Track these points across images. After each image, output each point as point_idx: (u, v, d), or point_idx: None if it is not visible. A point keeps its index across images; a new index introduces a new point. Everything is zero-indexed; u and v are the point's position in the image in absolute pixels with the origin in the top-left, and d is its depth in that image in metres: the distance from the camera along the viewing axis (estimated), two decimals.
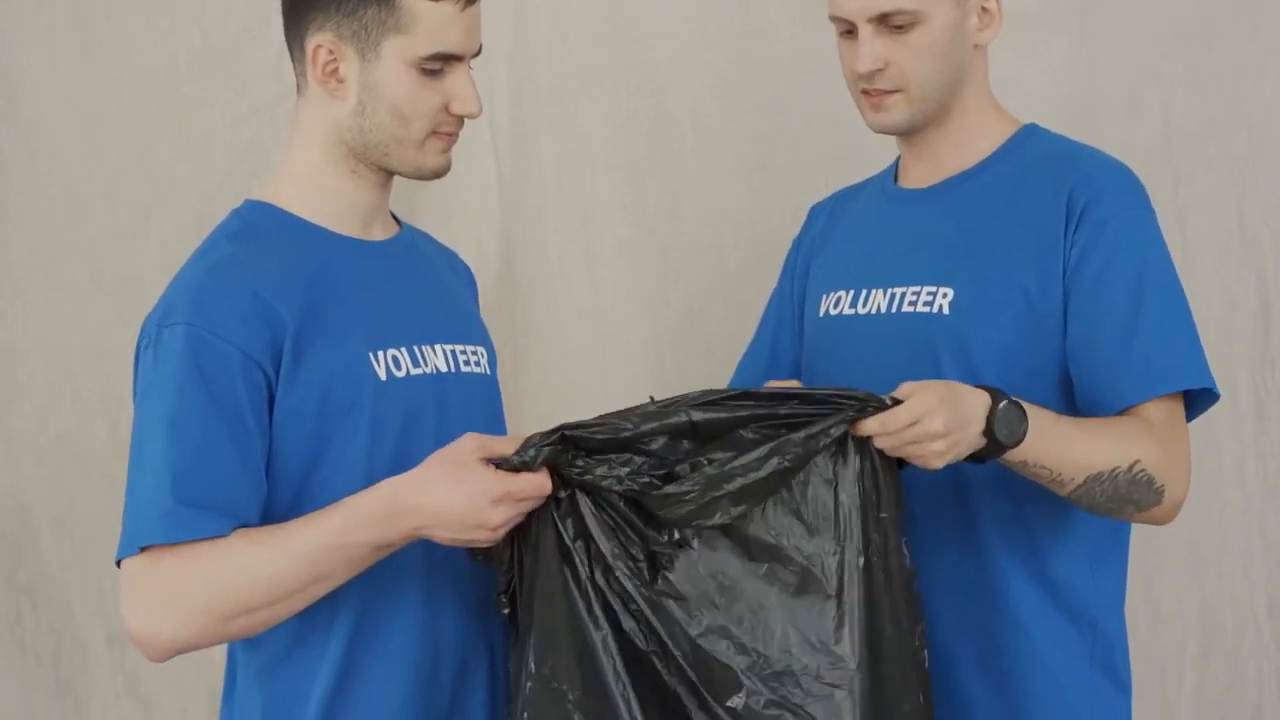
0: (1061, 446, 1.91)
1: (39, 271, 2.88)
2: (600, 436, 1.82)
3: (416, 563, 1.91)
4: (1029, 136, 2.13)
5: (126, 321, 2.76)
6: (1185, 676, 2.96)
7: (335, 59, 1.91)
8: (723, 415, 1.84)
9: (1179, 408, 2.00)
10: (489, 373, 2.08)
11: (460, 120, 1.95)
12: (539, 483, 1.81)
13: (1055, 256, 2.01)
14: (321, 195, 1.96)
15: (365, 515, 1.81)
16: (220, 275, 1.87)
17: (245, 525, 1.82)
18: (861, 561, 1.86)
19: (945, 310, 2.04)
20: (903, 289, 2.09)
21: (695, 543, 1.86)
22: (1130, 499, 1.95)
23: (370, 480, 1.86)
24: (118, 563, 1.82)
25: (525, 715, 1.84)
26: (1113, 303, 1.99)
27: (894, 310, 2.09)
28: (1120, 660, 2.10)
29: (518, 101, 2.94)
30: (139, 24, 2.90)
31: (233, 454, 1.81)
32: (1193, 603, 2.96)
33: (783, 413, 1.84)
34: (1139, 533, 2.18)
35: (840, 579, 1.85)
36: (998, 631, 2.04)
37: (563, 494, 1.84)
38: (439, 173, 1.98)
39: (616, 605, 1.86)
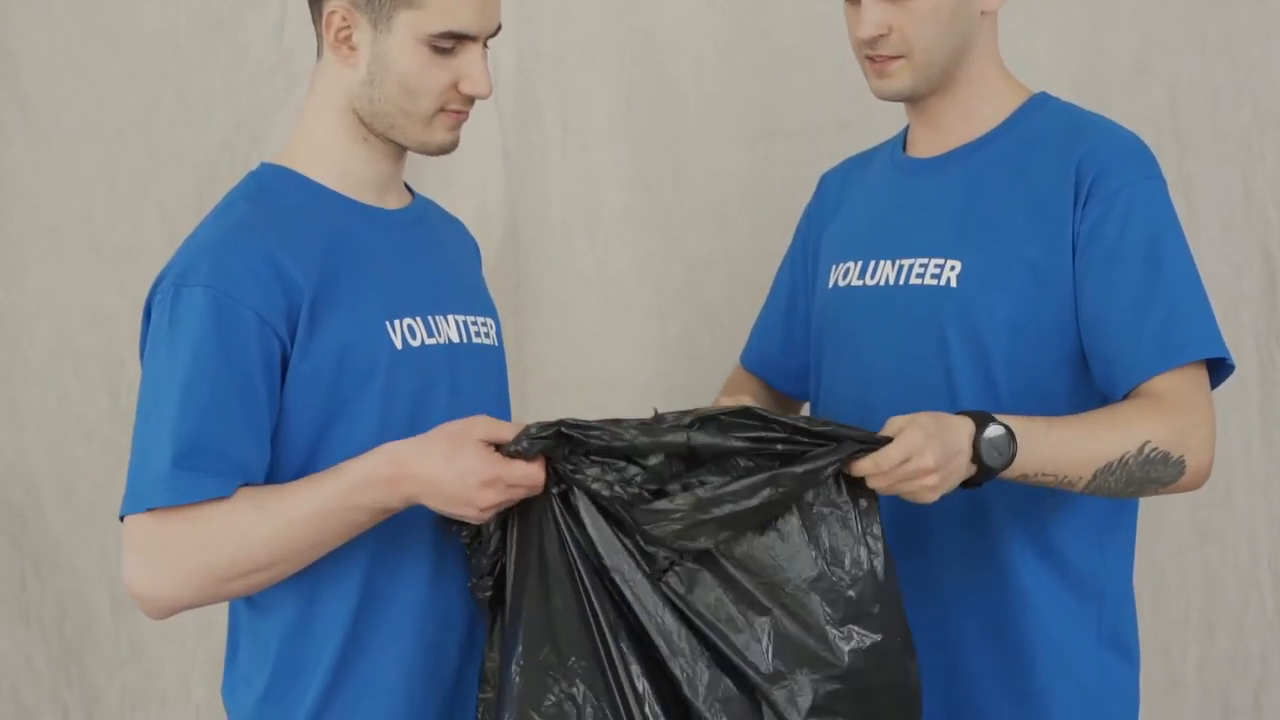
0: (1059, 451, 1.91)
1: (39, 240, 2.87)
2: (597, 440, 1.83)
3: (425, 533, 1.93)
4: (1039, 106, 2.12)
5: (126, 290, 2.81)
6: (1189, 648, 2.97)
7: (349, 26, 1.92)
8: (720, 441, 1.85)
9: (1200, 375, 1.99)
10: (497, 344, 2.10)
11: (470, 100, 1.95)
12: (531, 472, 1.83)
13: (1064, 228, 2.00)
14: (336, 161, 1.97)
15: (366, 479, 1.82)
16: (238, 237, 1.88)
17: (248, 485, 1.84)
18: (847, 591, 1.88)
19: (953, 283, 2.04)
20: (910, 261, 2.09)
21: (685, 561, 1.87)
22: (1149, 479, 1.95)
23: None
24: (121, 518, 1.84)
25: (517, 699, 1.85)
26: (1127, 275, 1.98)
27: (901, 282, 2.09)
28: (1128, 633, 2.11)
29: (521, 69, 2.94)
30: None
31: (240, 418, 1.83)
32: (1196, 575, 2.97)
33: (779, 447, 1.85)
34: (1144, 503, 2.18)
35: (822, 611, 1.86)
36: (1005, 606, 2.05)
37: (556, 489, 1.86)
38: (445, 150, 1.98)
39: (618, 595, 1.87)
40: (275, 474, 1.88)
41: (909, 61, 2.06)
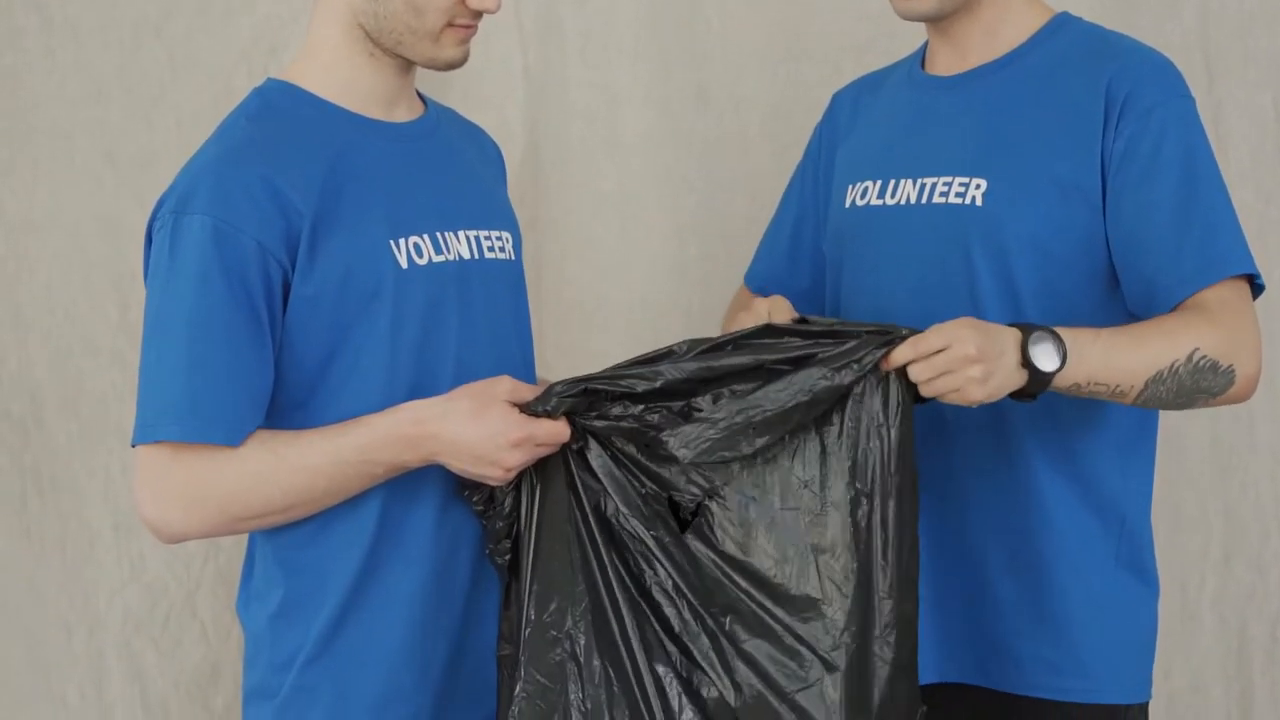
0: (1110, 358, 1.94)
1: (52, 147, 2.86)
2: (624, 390, 1.87)
3: None
4: (1062, 25, 2.15)
5: (140, 200, 2.71)
6: (1207, 580, 3.03)
7: None
8: (747, 358, 1.87)
9: (1241, 289, 2.02)
10: (514, 258, 2.10)
11: (477, 14, 1.96)
12: (558, 430, 1.87)
13: (1093, 148, 2.04)
14: (342, 76, 1.98)
15: (385, 436, 1.86)
16: (236, 161, 1.89)
17: (262, 426, 1.87)
18: (866, 516, 1.90)
19: (979, 201, 2.07)
20: (933, 179, 2.12)
21: (724, 491, 1.90)
22: (1199, 389, 1.98)
23: (393, 370, 1.92)
24: (133, 444, 1.88)
25: (524, 660, 1.89)
26: (1163, 195, 2.01)
27: (924, 201, 2.12)
28: (1147, 557, 2.15)
29: None
30: None
31: (251, 355, 1.86)
32: (1216, 507, 3.02)
33: (806, 353, 1.87)
34: (1164, 434, 2.22)
35: (851, 533, 1.89)
36: (1027, 527, 2.09)
37: (575, 445, 1.89)
38: (454, 65, 1.99)
39: (629, 552, 1.91)
40: (281, 398, 1.90)
41: None
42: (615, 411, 1.88)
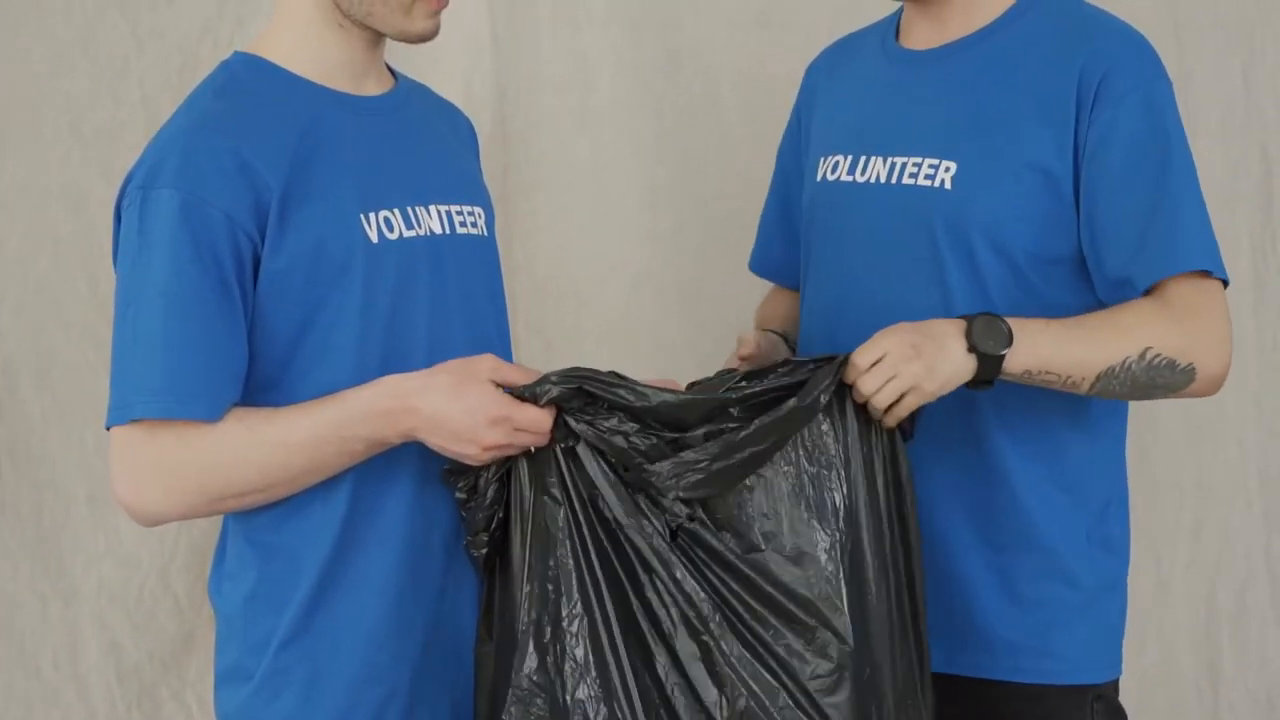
0: (1061, 348, 1.94)
1: (17, 120, 2.85)
2: (614, 399, 1.86)
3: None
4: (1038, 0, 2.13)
5: (106, 173, 2.79)
6: (1179, 550, 3.05)
7: None
8: (713, 399, 1.87)
9: (1208, 284, 2.01)
10: (486, 234, 2.11)
11: None
12: (540, 418, 1.86)
13: (1067, 133, 2.02)
14: (311, 49, 1.98)
15: (364, 410, 1.86)
16: (204, 134, 1.89)
17: (237, 404, 1.87)
18: (863, 537, 1.90)
19: (947, 185, 2.06)
20: (904, 159, 2.11)
21: (702, 514, 1.89)
22: (1155, 385, 1.98)
23: (364, 346, 1.92)
24: (107, 426, 1.88)
25: (515, 663, 1.88)
26: (1134, 182, 2.00)
27: (894, 181, 2.11)
28: (1117, 533, 2.16)
29: None
30: None
31: (225, 330, 1.85)
32: (1190, 477, 3.04)
33: (768, 393, 1.88)
34: (1135, 405, 2.23)
35: (839, 559, 1.88)
36: (995, 507, 2.09)
37: (564, 445, 1.88)
38: (425, 37, 1.99)
39: (623, 554, 1.90)
40: (254, 376, 1.90)
41: None
42: (607, 425, 1.87)
